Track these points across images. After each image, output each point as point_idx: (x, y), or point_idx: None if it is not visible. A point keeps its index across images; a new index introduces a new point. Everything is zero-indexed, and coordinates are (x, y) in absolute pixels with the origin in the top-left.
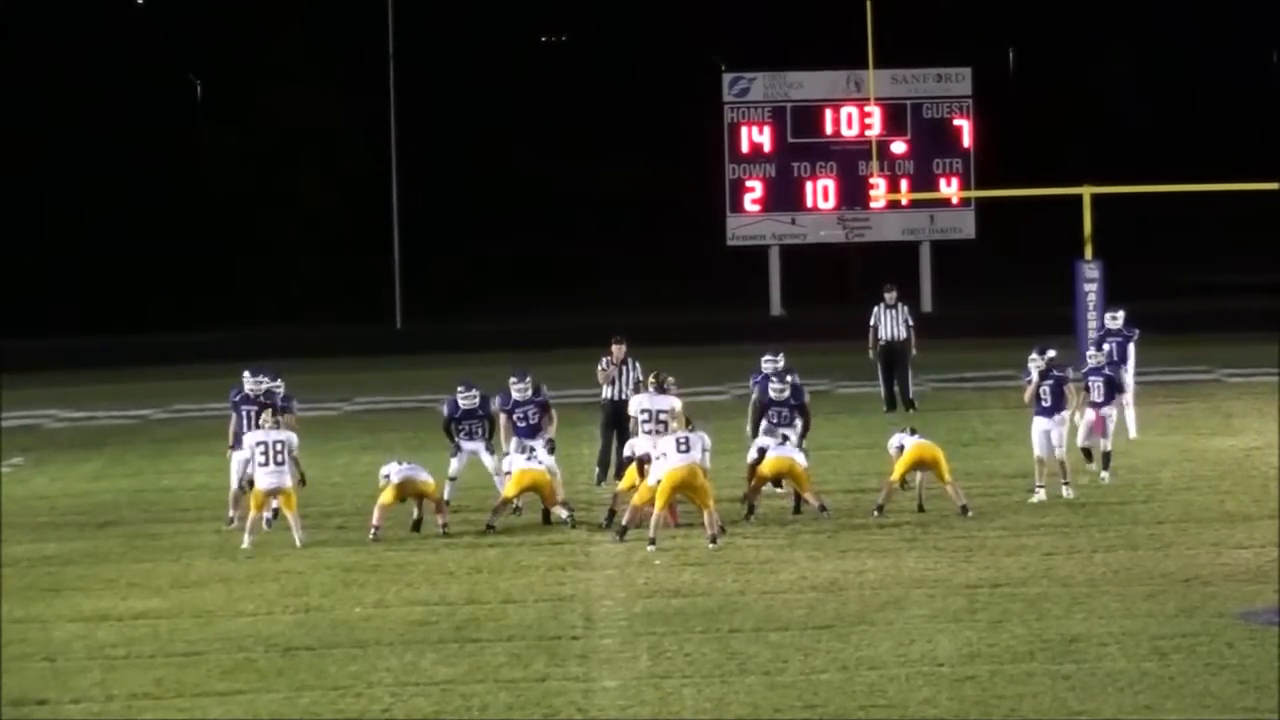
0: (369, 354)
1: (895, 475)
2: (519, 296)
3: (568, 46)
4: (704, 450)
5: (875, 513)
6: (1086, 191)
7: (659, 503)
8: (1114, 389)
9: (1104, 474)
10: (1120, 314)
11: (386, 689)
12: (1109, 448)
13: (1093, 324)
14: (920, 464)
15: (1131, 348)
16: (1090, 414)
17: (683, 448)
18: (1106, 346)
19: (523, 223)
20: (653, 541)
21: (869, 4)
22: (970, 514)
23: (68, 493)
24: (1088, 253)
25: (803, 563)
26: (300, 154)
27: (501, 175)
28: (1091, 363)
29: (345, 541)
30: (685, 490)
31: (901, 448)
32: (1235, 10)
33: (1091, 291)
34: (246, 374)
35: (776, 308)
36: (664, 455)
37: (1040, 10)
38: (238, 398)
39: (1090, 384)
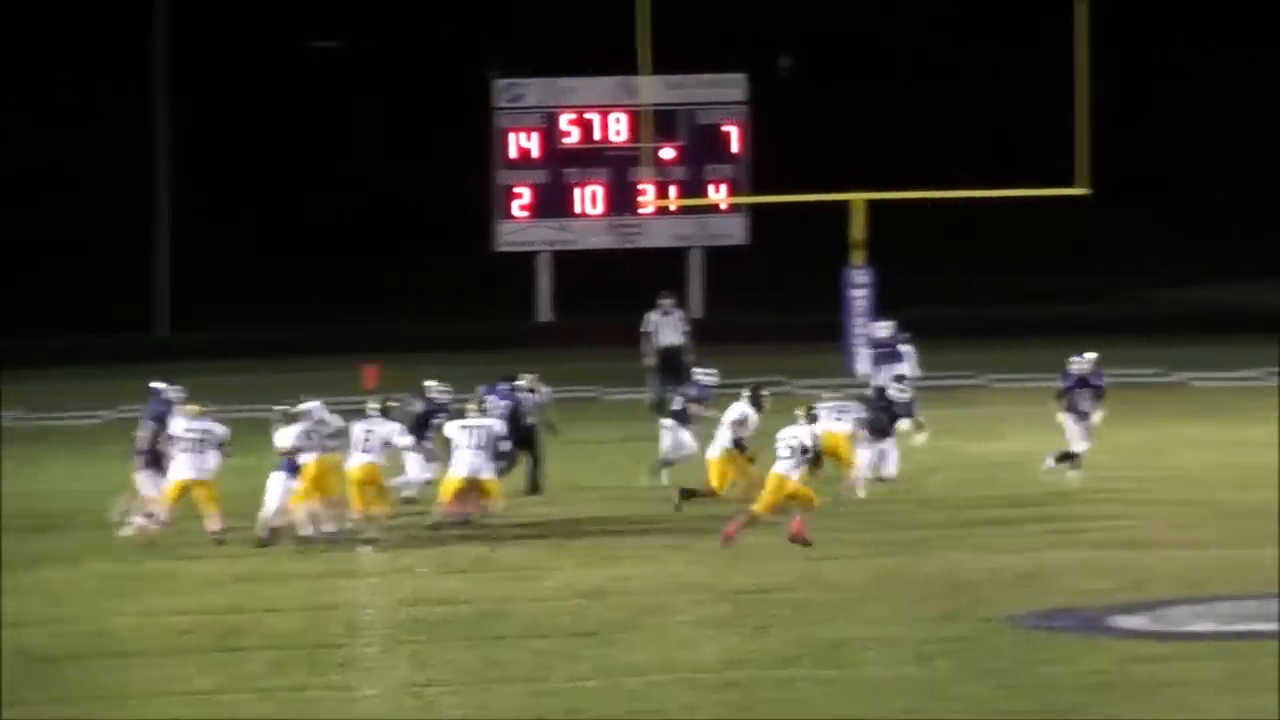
0: (130, 362)
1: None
2: (285, 304)
3: (339, 52)
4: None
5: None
6: (856, 198)
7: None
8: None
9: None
10: (889, 323)
11: (147, 699)
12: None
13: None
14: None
15: (904, 363)
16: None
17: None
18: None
19: (290, 229)
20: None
21: (642, 10)
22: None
23: None
24: (857, 259)
25: (568, 569)
26: (64, 159)
27: (270, 181)
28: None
29: (106, 551)
30: (366, 486)
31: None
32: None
33: (860, 298)
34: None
35: (545, 314)
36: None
37: (818, 16)
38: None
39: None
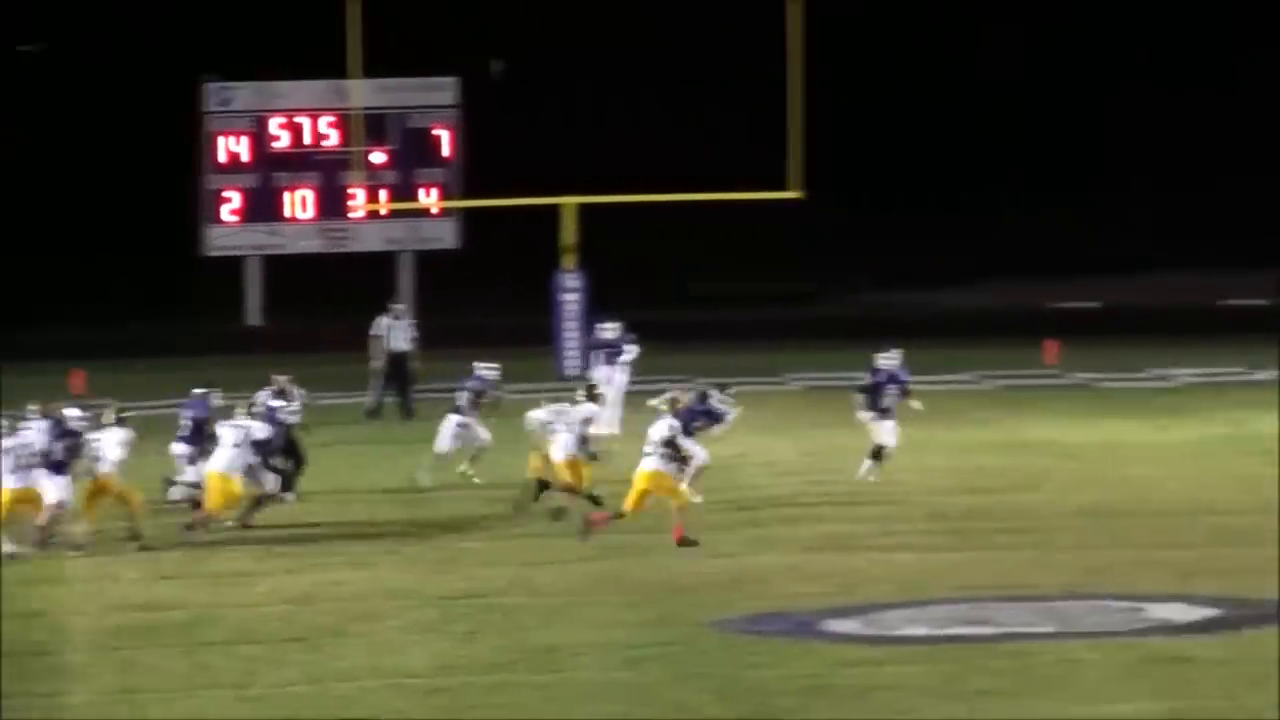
0: None
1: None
2: None
3: (45, 55)
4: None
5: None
6: (566, 201)
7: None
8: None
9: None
10: (615, 324)
11: None
12: None
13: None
14: None
15: (620, 369)
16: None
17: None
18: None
19: None
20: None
21: (352, 14)
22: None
23: None
24: (568, 263)
25: (278, 575)
26: None
27: None
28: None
29: None
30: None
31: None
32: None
33: (571, 302)
34: None
35: (253, 317)
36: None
37: (531, 19)
38: None
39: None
